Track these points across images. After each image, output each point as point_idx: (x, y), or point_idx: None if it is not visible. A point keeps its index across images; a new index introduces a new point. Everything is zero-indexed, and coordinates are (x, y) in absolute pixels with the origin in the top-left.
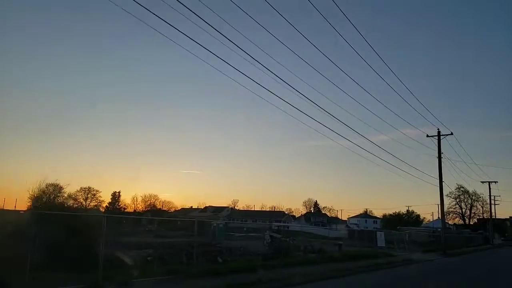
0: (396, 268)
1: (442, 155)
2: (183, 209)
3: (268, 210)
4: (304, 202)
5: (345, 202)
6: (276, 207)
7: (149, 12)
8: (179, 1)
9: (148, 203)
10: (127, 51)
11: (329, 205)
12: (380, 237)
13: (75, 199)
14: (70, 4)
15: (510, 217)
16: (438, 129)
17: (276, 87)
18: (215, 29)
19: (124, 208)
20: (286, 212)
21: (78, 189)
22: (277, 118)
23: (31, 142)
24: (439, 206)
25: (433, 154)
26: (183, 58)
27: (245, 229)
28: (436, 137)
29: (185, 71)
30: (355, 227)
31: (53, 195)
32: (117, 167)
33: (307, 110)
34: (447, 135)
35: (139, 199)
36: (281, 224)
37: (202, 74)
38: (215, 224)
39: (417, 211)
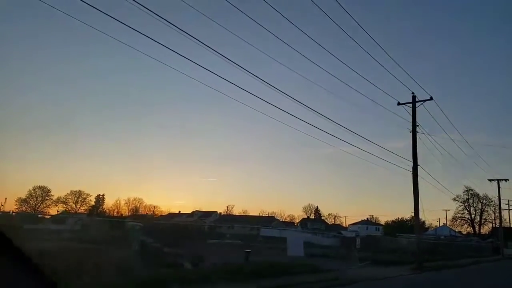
0: None
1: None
2: (170, 214)
3: (259, 215)
4: (304, 208)
5: (352, 209)
6: (276, 214)
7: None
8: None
9: (131, 207)
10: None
11: (334, 212)
12: (296, 243)
13: (64, 203)
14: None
15: None
16: (413, 93)
17: (276, 97)
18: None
19: (108, 212)
20: (276, 217)
21: (68, 192)
22: (281, 125)
23: (19, 144)
24: (414, 200)
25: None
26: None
27: (228, 235)
28: (411, 105)
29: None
30: (352, 235)
31: (41, 198)
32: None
33: (309, 118)
34: (424, 100)
35: (122, 202)
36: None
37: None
38: (129, 227)
39: (424, 217)
